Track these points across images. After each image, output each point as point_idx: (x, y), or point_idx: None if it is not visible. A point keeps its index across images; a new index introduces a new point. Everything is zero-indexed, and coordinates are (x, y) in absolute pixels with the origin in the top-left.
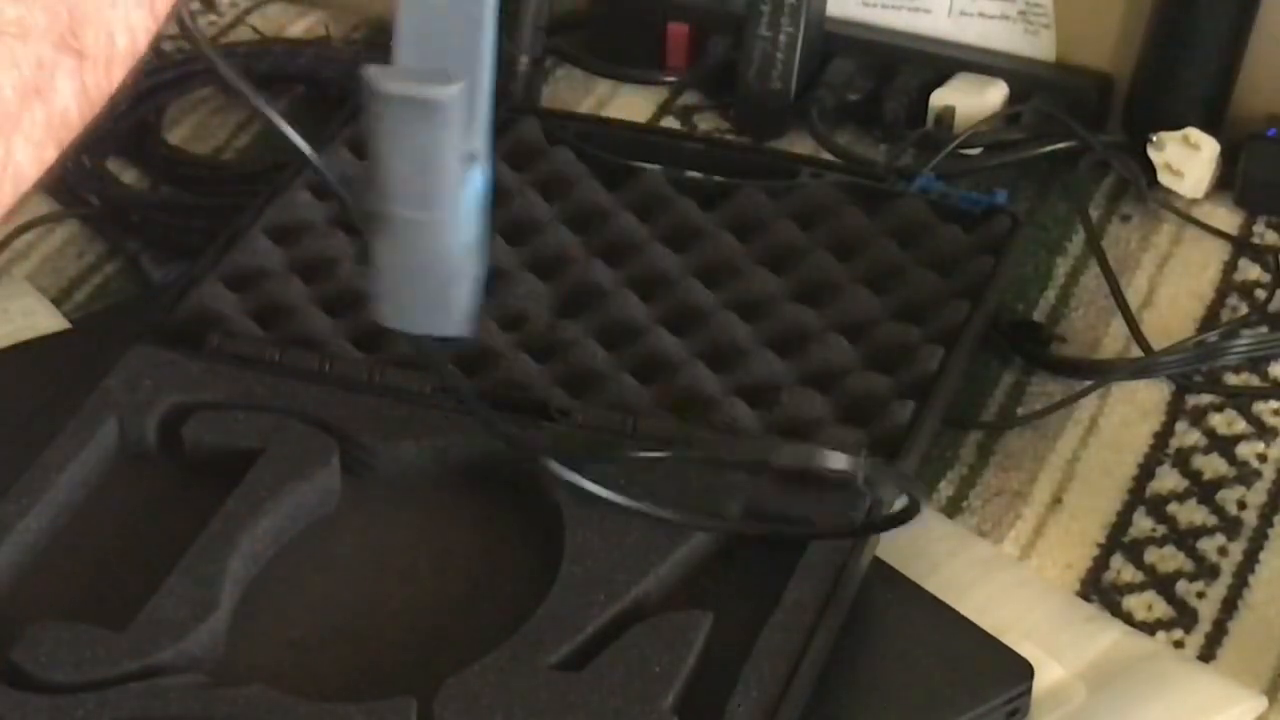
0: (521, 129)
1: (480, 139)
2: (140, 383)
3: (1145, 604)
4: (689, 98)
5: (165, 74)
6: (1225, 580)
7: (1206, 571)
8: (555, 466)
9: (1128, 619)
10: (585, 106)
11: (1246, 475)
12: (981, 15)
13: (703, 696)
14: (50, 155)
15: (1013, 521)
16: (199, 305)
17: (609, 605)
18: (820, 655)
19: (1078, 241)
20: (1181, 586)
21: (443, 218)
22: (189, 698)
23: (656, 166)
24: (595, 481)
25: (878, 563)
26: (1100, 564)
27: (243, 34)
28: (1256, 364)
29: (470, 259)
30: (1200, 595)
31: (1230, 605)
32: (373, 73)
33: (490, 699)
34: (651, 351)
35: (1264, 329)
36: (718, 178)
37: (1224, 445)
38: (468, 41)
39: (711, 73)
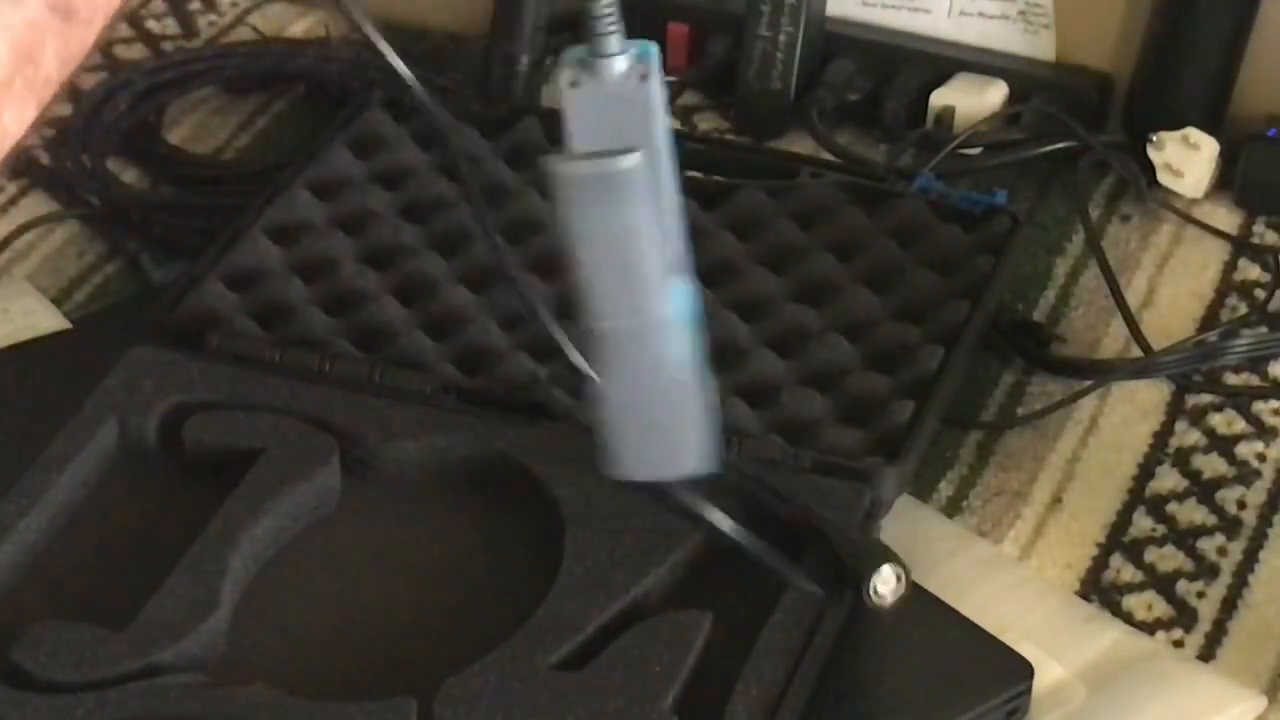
0: (521, 129)
1: (675, 248)
2: (140, 383)
3: (1145, 604)
4: (689, 98)
5: (165, 74)
6: (1225, 580)
7: (1206, 571)
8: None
9: (1128, 619)
10: None
11: (1246, 475)
12: (981, 15)
13: (703, 696)
14: (31, 114)
15: (1013, 521)
16: (199, 305)
17: (609, 605)
18: (820, 655)
19: (1078, 241)
20: (1181, 586)
21: (649, 316)
22: (189, 697)
23: None
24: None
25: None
26: (1100, 564)
27: (243, 34)
28: (1256, 364)
29: (694, 379)
30: (1200, 595)
31: (1230, 605)
32: (552, 160)
33: (490, 699)
34: None
35: (1264, 329)
36: (718, 178)
37: (1224, 445)
38: (638, 129)
39: (711, 73)
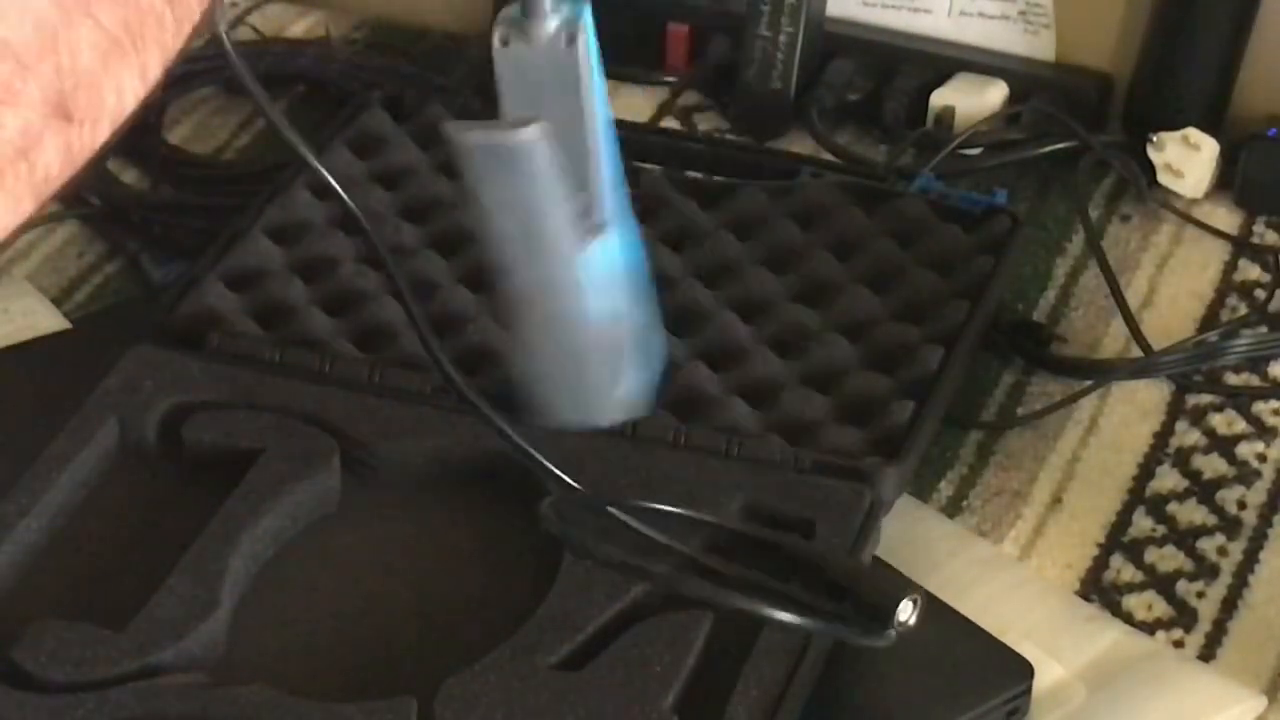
0: None
1: (604, 208)
2: (140, 383)
3: (1145, 604)
4: (689, 98)
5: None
6: (1225, 580)
7: (1206, 571)
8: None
9: (1128, 619)
10: None
11: (1246, 475)
12: (981, 15)
13: (703, 696)
14: (28, 209)
15: (1013, 521)
16: (199, 305)
17: (609, 605)
18: (820, 655)
19: (1078, 241)
20: (1181, 586)
21: (557, 277)
22: (189, 697)
23: (656, 166)
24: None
25: (878, 562)
26: (1100, 564)
27: (243, 34)
28: (1256, 364)
29: (615, 332)
30: (1200, 595)
31: (1230, 605)
32: (453, 127)
33: (490, 699)
34: None
35: (1264, 329)
36: (718, 178)
37: (1224, 445)
38: (568, 100)
39: (711, 73)
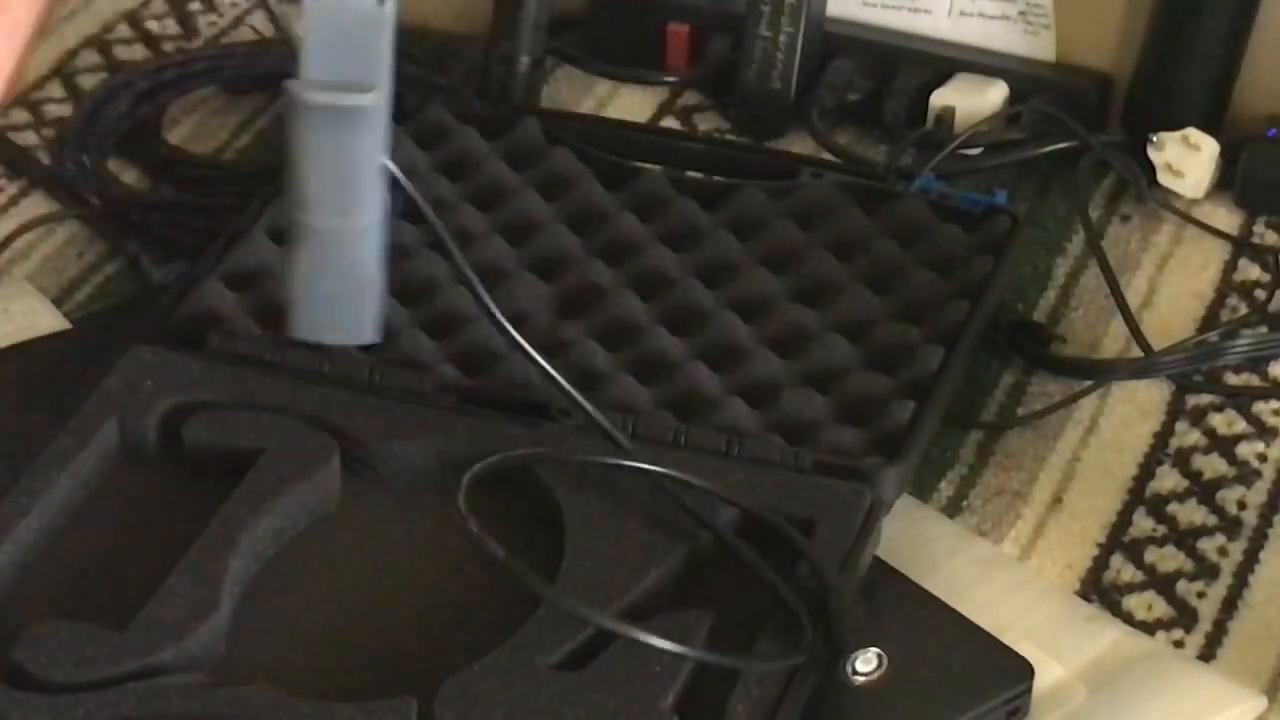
0: (521, 129)
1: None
2: (140, 383)
3: (1145, 604)
4: (689, 98)
5: (165, 74)
6: (1225, 580)
7: (1206, 571)
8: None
9: (1128, 619)
10: (585, 106)
11: (1246, 475)
12: (981, 15)
13: (703, 696)
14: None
15: (1013, 521)
16: (199, 305)
17: (609, 605)
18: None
19: (1078, 241)
20: (1181, 586)
21: (363, 224)
22: (189, 697)
23: (656, 166)
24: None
25: (878, 562)
26: (1100, 564)
27: (243, 34)
28: (1256, 364)
29: (381, 266)
30: (1200, 595)
31: (1230, 605)
32: (295, 85)
33: (490, 699)
34: (651, 351)
35: (1264, 329)
36: (718, 178)
37: (1224, 445)
38: (372, 59)
39: (711, 73)
